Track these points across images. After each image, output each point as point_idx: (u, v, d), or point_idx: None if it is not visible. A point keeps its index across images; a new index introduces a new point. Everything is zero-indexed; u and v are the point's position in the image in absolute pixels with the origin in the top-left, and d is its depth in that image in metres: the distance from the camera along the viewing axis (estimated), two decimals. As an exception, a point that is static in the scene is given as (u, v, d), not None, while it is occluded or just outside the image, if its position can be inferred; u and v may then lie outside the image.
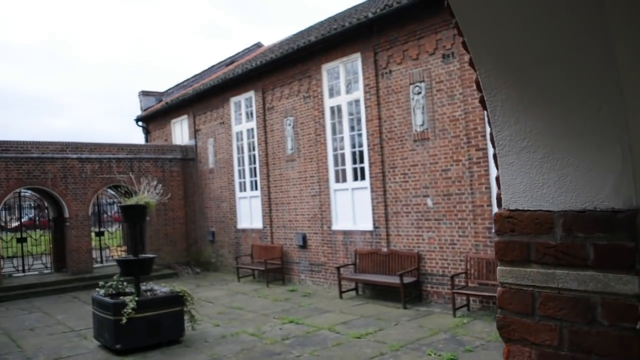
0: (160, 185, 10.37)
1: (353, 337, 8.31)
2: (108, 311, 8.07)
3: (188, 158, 18.35)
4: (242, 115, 16.05)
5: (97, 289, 8.87)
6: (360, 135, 12.06)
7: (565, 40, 1.35)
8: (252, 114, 15.55)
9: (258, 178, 15.23)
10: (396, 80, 11.07)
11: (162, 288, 9.01)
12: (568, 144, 1.44)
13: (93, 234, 17.15)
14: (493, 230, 1.62)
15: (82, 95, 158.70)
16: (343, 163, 12.52)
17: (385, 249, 11.29)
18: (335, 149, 12.74)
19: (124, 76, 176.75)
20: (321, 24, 16.41)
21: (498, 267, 1.60)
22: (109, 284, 8.83)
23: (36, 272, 16.18)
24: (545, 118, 1.47)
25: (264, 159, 14.85)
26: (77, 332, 9.63)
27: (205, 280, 15.40)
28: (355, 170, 12.22)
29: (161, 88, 23.76)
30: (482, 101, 1.58)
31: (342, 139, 12.55)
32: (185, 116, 19.01)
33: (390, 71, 11.19)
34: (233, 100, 16.36)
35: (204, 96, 17.51)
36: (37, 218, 19.95)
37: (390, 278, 10.72)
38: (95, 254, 17.11)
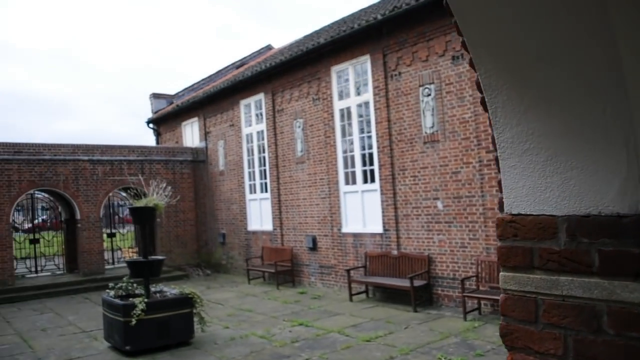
0: (170, 187, 10.41)
1: (363, 340, 8.26)
2: (118, 312, 8.10)
3: (198, 160, 18.40)
4: (252, 117, 16.07)
5: (107, 291, 8.91)
6: (369, 137, 12.01)
7: (566, 39, 1.30)
8: (261, 116, 15.57)
9: (268, 180, 15.23)
10: (405, 82, 11.01)
11: (171, 290, 9.03)
12: (571, 146, 1.40)
13: (105, 236, 17.25)
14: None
15: (96, 98, 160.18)
16: (353, 165, 12.48)
17: (395, 252, 11.23)
18: (344, 151, 12.71)
19: (138, 79, 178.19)
20: (330, 26, 16.39)
21: (500, 273, 1.55)
22: (118, 285, 8.86)
23: (49, 273, 16.31)
24: (548, 120, 1.42)
25: (274, 161, 14.85)
26: (87, 333, 9.68)
27: (216, 282, 15.43)
28: (365, 172, 12.18)
29: (175, 91, 23.79)
30: (483, 102, 1.54)
31: (351, 141, 12.51)
32: (196, 118, 19.07)
33: (400, 73, 11.13)
34: (243, 102, 16.39)
35: (214, 98, 17.56)
36: (49, 219, 20.12)
37: (401, 281, 10.66)
38: (107, 255, 17.22)
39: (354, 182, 12.46)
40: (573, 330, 1.39)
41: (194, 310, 8.64)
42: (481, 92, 1.53)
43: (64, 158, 15.57)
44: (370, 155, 11.97)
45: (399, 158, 11.17)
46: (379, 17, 11.05)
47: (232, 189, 16.91)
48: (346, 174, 12.68)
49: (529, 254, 1.49)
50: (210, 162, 18.12)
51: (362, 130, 12.25)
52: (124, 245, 18.58)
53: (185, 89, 23.49)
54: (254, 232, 15.88)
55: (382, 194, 11.56)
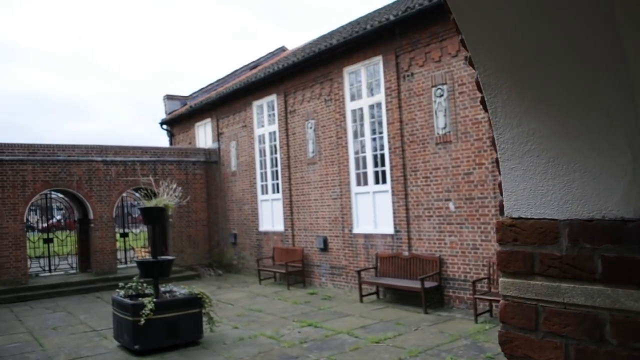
0: (181, 188, 10.44)
1: (371, 341, 8.20)
2: (127, 312, 8.13)
3: (211, 161, 18.45)
4: (264, 118, 16.08)
5: (117, 290, 8.95)
6: (381, 138, 11.95)
7: (568, 36, 1.25)
8: (274, 117, 15.56)
9: (280, 181, 15.22)
10: (418, 82, 10.93)
11: (181, 290, 9.04)
12: (574, 147, 1.34)
13: (118, 235, 17.36)
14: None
15: (112, 100, 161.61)
16: (364, 166, 12.42)
17: (406, 253, 11.15)
18: (356, 152, 12.65)
19: (154, 81, 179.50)
20: (344, 27, 16.33)
21: (500, 279, 1.50)
22: (128, 285, 8.90)
23: (62, 272, 16.44)
24: (549, 120, 1.37)
25: (286, 162, 14.84)
26: (98, 332, 9.73)
27: (227, 282, 15.44)
28: (376, 173, 12.11)
29: (189, 92, 23.92)
30: (482, 102, 1.49)
31: (363, 142, 12.45)
32: (209, 119, 19.13)
33: (412, 74, 11.05)
34: (255, 103, 16.40)
35: (227, 100, 17.60)
36: (63, 219, 20.31)
37: (411, 282, 10.58)
38: (119, 255, 17.33)
39: (366, 183, 12.40)
40: (574, 339, 1.33)
41: (203, 310, 8.65)
42: (481, 92, 1.48)
43: (78, 159, 15.69)
44: (382, 156, 11.90)
45: (410, 159, 11.09)
46: (392, 17, 10.99)
47: (244, 189, 16.93)
48: (357, 175, 12.62)
49: (530, 259, 1.43)
50: (222, 162, 18.16)
51: (373, 131, 12.19)
52: (136, 245, 18.69)
53: (199, 90, 23.58)
54: (266, 233, 15.88)
55: (393, 195, 11.48)
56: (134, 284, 8.92)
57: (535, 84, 1.35)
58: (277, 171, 15.46)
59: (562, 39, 1.26)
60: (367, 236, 12.24)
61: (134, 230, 19.07)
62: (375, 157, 12.13)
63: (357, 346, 8.01)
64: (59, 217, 22.18)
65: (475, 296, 9.22)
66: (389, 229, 11.64)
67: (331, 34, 16.30)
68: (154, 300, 8.16)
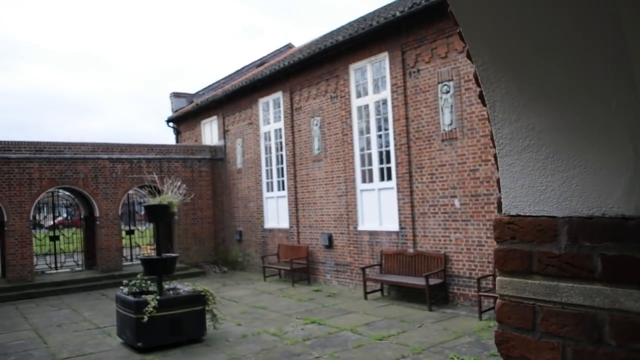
0: (187, 185, 10.44)
1: (375, 339, 8.17)
2: (130, 309, 8.13)
3: (217, 158, 18.46)
4: (270, 115, 16.06)
5: (121, 287, 8.96)
6: (387, 135, 11.90)
7: (568, 27, 1.21)
8: (279, 114, 15.54)
9: (285, 178, 15.20)
10: (424, 79, 10.87)
11: (184, 287, 9.04)
12: (574, 143, 1.30)
13: (123, 233, 17.41)
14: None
15: (119, 97, 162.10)
16: (370, 163, 12.37)
17: (411, 250, 11.11)
18: (362, 149, 12.61)
19: (162, 79, 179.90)
20: (350, 24, 16.29)
21: (497, 278, 1.46)
22: (132, 282, 8.91)
23: (68, 270, 16.52)
24: (549, 114, 1.33)
25: (291, 159, 14.82)
26: (101, 329, 9.75)
27: (232, 280, 15.46)
28: (381, 170, 12.07)
29: (195, 90, 23.95)
30: (481, 96, 1.45)
31: (369, 139, 12.40)
32: (215, 117, 19.14)
33: (418, 70, 10.99)
34: (261, 101, 16.38)
35: (233, 97, 17.59)
36: (70, 217, 20.38)
37: (416, 279, 10.53)
38: (125, 252, 17.39)
39: (371, 180, 12.36)
40: (572, 340, 1.29)
41: (207, 308, 8.64)
42: (479, 86, 1.44)
43: (84, 156, 15.74)
44: (388, 153, 11.85)
45: (416, 156, 11.04)
46: (398, 14, 10.93)
47: (250, 186, 16.93)
48: (363, 172, 12.58)
49: (528, 257, 1.39)
50: (228, 160, 18.17)
51: (379, 128, 12.14)
52: (142, 242, 18.74)
53: (205, 87, 23.60)
54: (271, 230, 15.87)
55: (398, 191, 11.44)
56: (137, 281, 8.93)
57: (535, 78, 1.31)
58: (282, 168, 15.44)
59: (561, 32, 1.22)
60: (372, 233, 12.20)
61: (139, 228, 19.12)
62: (380, 154, 12.08)
63: (360, 343, 7.98)
64: (65, 215, 22.24)
65: (480, 293, 9.16)
66: (394, 226, 11.59)
67: (337, 31, 16.26)
68: (157, 297, 8.16)
